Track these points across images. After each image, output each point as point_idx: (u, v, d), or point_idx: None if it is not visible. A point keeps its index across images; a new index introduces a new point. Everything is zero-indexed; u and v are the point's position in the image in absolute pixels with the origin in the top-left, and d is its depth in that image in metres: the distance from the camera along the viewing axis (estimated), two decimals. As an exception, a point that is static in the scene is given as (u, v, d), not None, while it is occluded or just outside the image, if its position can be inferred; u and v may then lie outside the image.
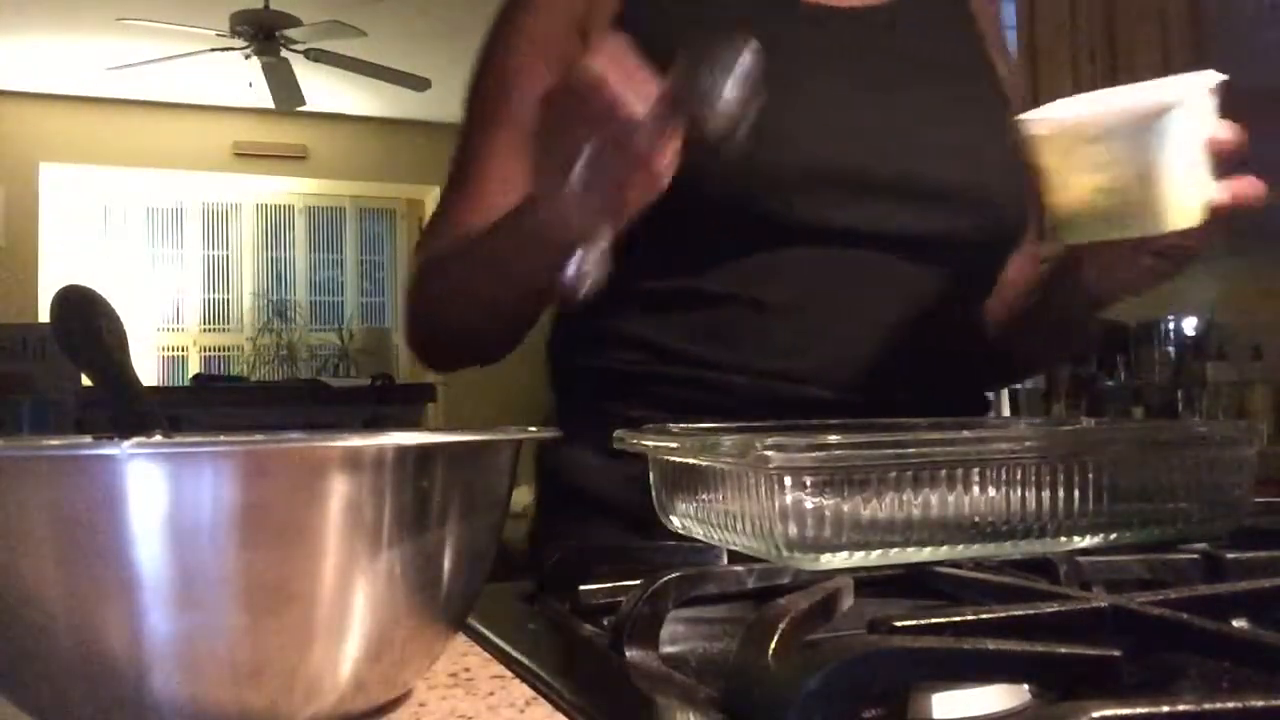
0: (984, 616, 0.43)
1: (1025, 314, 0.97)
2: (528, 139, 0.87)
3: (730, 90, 0.62)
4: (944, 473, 0.53)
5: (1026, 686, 0.41)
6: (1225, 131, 0.73)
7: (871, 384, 0.86)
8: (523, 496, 0.88)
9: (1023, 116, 0.75)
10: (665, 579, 0.53)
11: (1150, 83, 0.74)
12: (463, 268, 0.87)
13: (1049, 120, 0.73)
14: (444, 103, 6.05)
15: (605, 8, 0.91)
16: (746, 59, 0.62)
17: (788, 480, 0.51)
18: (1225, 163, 0.74)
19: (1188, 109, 0.70)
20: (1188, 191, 0.71)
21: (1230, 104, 0.71)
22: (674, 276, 0.88)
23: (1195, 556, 0.59)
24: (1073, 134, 0.73)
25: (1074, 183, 0.73)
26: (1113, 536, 0.58)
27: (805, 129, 0.86)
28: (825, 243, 0.86)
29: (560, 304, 0.69)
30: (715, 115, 0.63)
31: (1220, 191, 0.72)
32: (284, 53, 4.96)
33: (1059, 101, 0.77)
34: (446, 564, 0.43)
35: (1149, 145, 0.70)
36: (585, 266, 0.66)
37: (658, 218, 0.68)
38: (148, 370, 6.63)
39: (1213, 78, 0.73)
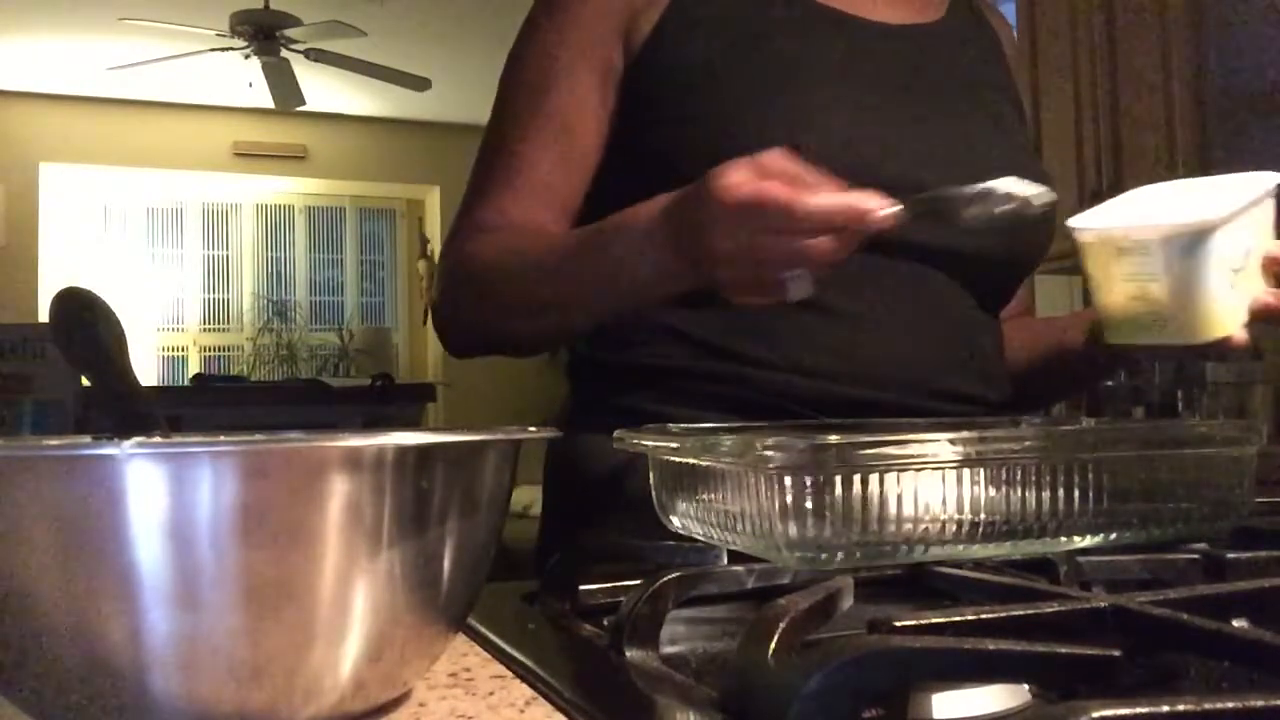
0: (984, 616, 0.43)
1: (1043, 364, 1.03)
2: (564, 141, 0.91)
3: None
4: (944, 473, 0.53)
5: (1026, 686, 0.41)
6: None
7: (915, 388, 0.87)
8: (523, 496, 0.88)
9: (1070, 221, 0.76)
10: (665, 579, 0.53)
11: (1209, 181, 0.75)
12: (555, 271, 0.86)
13: (1089, 229, 0.75)
14: (444, 103, 6.07)
15: (648, 14, 0.92)
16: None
17: (788, 480, 0.51)
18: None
19: (1227, 229, 0.70)
20: (1223, 305, 0.72)
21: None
22: None
23: (1195, 556, 0.59)
24: (1110, 244, 0.74)
25: (1114, 289, 0.75)
26: (1113, 536, 0.58)
27: (860, 142, 0.88)
28: (869, 250, 0.87)
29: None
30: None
31: (1266, 298, 0.74)
32: (284, 53, 4.95)
33: (1113, 201, 0.78)
34: (446, 564, 0.43)
35: (1183, 262, 0.71)
36: (803, 282, 0.69)
37: None
38: (148, 370, 6.63)
39: (1271, 182, 0.74)
